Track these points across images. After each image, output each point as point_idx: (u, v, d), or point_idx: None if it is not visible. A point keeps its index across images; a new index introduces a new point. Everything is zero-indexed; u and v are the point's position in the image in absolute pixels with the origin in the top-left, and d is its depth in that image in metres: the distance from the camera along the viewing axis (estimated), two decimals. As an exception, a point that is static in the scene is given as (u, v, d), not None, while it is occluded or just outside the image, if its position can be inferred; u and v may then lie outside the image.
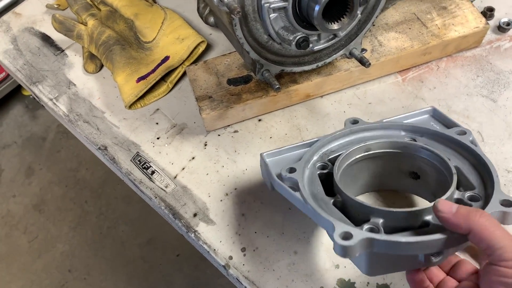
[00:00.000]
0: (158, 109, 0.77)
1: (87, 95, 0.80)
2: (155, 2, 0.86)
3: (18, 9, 0.92)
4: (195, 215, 0.67)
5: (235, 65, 0.75)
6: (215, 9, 0.68)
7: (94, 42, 0.78)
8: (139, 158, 0.73)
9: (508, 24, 0.79)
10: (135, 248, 1.66)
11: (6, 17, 0.91)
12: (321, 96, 0.76)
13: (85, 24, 0.81)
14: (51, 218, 1.76)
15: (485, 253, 0.42)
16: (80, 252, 1.67)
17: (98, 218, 1.74)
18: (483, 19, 0.75)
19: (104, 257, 1.65)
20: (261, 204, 0.67)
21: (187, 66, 0.75)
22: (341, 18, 0.59)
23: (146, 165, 0.72)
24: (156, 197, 0.69)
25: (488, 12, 0.80)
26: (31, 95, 2.03)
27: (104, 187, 1.82)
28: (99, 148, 0.74)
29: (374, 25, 0.75)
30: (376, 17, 0.67)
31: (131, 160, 0.73)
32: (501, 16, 0.80)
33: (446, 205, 0.44)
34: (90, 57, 0.80)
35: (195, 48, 0.76)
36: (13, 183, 1.86)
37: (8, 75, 1.80)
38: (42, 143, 1.95)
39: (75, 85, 0.81)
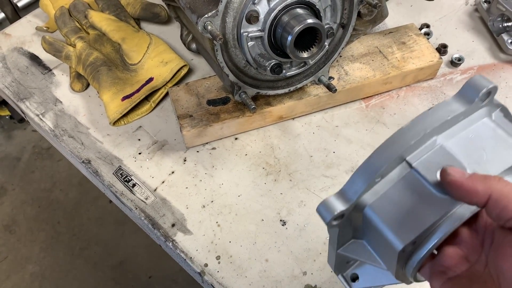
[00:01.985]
0: (140, 127, 0.82)
1: (72, 112, 0.84)
2: (141, 28, 0.92)
3: (8, 30, 0.96)
4: (173, 225, 0.71)
5: (214, 88, 0.81)
6: (198, 36, 0.74)
7: (82, 63, 0.83)
8: (121, 171, 0.77)
9: (459, 59, 0.88)
10: (107, 270, 1.66)
11: (-5, 37, 0.95)
12: (293, 118, 0.82)
13: (73, 46, 0.86)
14: (22, 238, 1.74)
15: (506, 224, 0.35)
16: (51, 273, 1.65)
17: (71, 239, 1.73)
18: (437, 54, 0.84)
19: (75, 278, 1.64)
20: (236, 215, 0.72)
21: (170, 87, 0.81)
22: (311, 48, 0.67)
23: (128, 178, 0.76)
24: (136, 208, 0.73)
25: (442, 48, 0.90)
26: (7, 115, 2.04)
27: (77, 208, 1.82)
28: (83, 162, 0.78)
29: (340, 56, 0.84)
30: (342, 49, 0.75)
31: (113, 174, 0.77)
32: (453, 52, 0.90)
33: (457, 170, 0.37)
34: (77, 76, 0.85)
35: (178, 71, 0.82)
36: (-17, 203, 1.84)
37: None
38: (16, 163, 1.95)
39: (61, 102, 0.85)
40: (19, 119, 2.01)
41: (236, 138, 0.81)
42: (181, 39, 0.86)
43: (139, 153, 0.79)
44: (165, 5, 0.92)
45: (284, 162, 0.78)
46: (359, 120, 0.82)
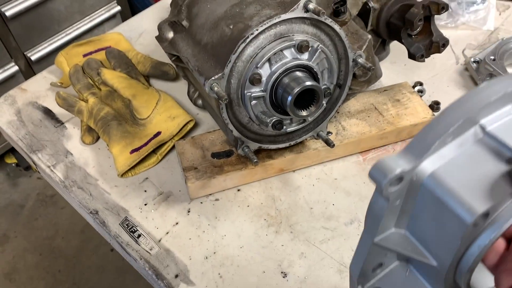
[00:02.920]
0: (147, 178, 0.86)
1: (82, 163, 0.88)
2: (150, 85, 0.97)
3: (24, 85, 1.02)
4: (176, 276, 0.73)
5: (218, 141, 0.85)
6: (205, 94, 0.79)
7: (93, 117, 0.88)
8: (127, 222, 0.80)
9: (451, 115, 0.93)
10: (106, 320, 1.64)
11: (12, 91, 1.01)
12: (293, 171, 0.86)
13: (85, 101, 0.91)
14: (21, 287, 1.73)
15: None
16: (49, 324, 1.63)
17: (70, 288, 1.72)
18: (430, 111, 0.89)
19: (73, 329, 1.62)
20: (238, 267, 0.74)
21: (176, 140, 0.85)
22: (310, 107, 0.71)
23: (133, 229, 0.79)
24: (141, 259, 0.75)
25: (435, 105, 0.94)
26: (13, 163, 2.09)
27: (79, 256, 1.82)
28: (91, 212, 0.81)
29: (338, 112, 0.88)
30: (339, 106, 0.80)
31: (119, 224, 0.79)
32: (445, 108, 0.95)
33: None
34: (88, 130, 0.90)
35: (184, 125, 0.86)
36: (-15, 251, 1.84)
37: (-6, 144, 1.87)
38: (20, 210, 1.96)
39: (72, 154, 0.89)
40: (25, 167, 2.05)
41: (238, 190, 0.84)
42: (188, 95, 0.91)
43: (145, 204, 0.82)
44: (173, 64, 0.98)
45: (285, 214, 0.80)
46: (356, 173, 0.85)
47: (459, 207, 0.34)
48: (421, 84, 0.99)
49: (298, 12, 0.65)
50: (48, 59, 1.81)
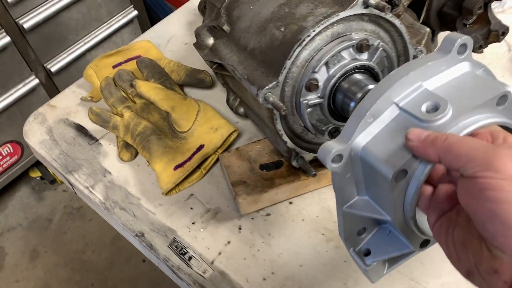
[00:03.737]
0: (192, 194, 0.80)
1: (122, 182, 0.83)
2: (184, 93, 0.92)
3: (53, 101, 0.98)
4: (234, 300, 0.68)
5: (265, 151, 0.80)
6: (252, 104, 0.74)
7: (130, 132, 0.83)
8: (176, 243, 0.75)
9: None
10: (144, 334, 1.60)
11: (42, 109, 0.96)
12: (348, 179, 0.80)
13: (120, 115, 0.86)
14: (56, 303, 1.70)
15: (461, 172, 0.39)
16: None
17: (105, 302, 1.69)
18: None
19: None
20: None
21: (220, 153, 0.80)
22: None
23: (183, 251, 0.74)
24: (195, 283, 0.70)
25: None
26: (38, 176, 2.06)
27: (110, 269, 1.79)
28: (136, 235, 0.76)
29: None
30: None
31: (168, 246, 0.74)
32: (504, 101, 0.88)
33: (416, 133, 0.41)
34: (125, 146, 0.85)
35: (227, 136, 0.81)
36: (16, 268, 1.82)
37: (18, 160, 1.84)
38: (48, 225, 1.94)
39: (110, 173, 0.84)
40: (50, 180, 2.03)
41: (290, 202, 0.78)
42: (228, 103, 0.86)
43: (193, 223, 0.77)
44: (210, 71, 0.92)
45: (344, 226, 0.74)
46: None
47: (382, 168, 0.44)
48: (473, 76, 0.92)
49: (357, 8, 0.59)
50: (68, 69, 1.77)
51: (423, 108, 0.44)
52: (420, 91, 0.46)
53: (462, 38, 0.46)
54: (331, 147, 0.45)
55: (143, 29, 2.00)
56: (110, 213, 0.79)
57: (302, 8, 0.62)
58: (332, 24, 0.59)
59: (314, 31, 0.58)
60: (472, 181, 0.37)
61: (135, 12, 1.89)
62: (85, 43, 1.78)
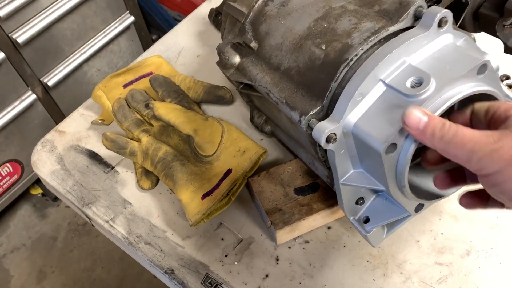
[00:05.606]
0: (221, 223, 0.75)
1: (145, 213, 0.77)
2: (204, 113, 0.86)
3: (61, 126, 0.91)
4: None
5: (298, 173, 0.74)
6: (284, 125, 0.68)
7: (150, 159, 0.77)
8: (210, 280, 0.69)
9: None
10: None
11: (49, 135, 0.89)
12: (388, 198, 0.75)
13: (137, 140, 0.80)
14: (68, 326, 1.64)
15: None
16: None
17: (119, 322, 1.64)
18: None
19: None
20: (348, 322, 0.63)
21: (249, 177, 0.74)
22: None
23: (219, 287, 0.68)
24: (235, 324, 0.65)
25: None
26: (39, 193, 1.99)
27: (121, 285, 1.73)
28: (166, 272, 0.70)
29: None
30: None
31: (201, 283, 0.69)
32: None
33: (413, 120, 0.42)
34: (145, 173, 0.79)
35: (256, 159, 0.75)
36: (24, 290, 1.75)
37: (19, 179, 1.76)
38: (53, 243, 1.87)
39: (130, 203, 0.78)
40: (52, 198, 1.96)
41: (329, 227, 0.73)
42: (252, 121, 0.80)
43: (225, 255, 0.71)
44: (227, 84, 0.86)
45: (390, 251, 0.69)
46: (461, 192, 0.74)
47: (373, 143, 0.48)
48: (507, 77, 0.87)
49: (408, 21, 0.53)
50: (65, 82, 1.70)
51: (408, 83, 0.47)
52: (405, 67, 0.48)
53: (441, 12, 0.49)
54: (325, 127, 0.49)
55: (140, 35, 1.93)
56: (135, 248, 0.73)
57: (344, 23, 0.56)
58: (380, 41, 0.53)
59: (362, 49, 0.52)
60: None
61: (132, 18, 1.81)
62: (81, 54, 1.70)
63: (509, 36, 0.75)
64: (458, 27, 0.79)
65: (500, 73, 0.88)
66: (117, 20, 1.78)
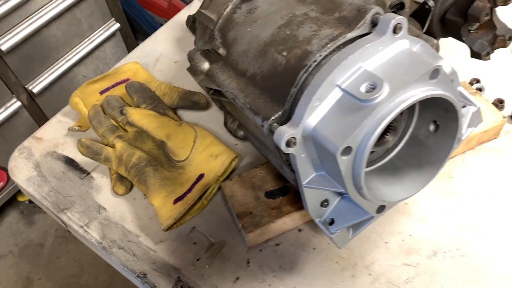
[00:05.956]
0: (194, 227, 0.76)
1: (119, 218, 0.78)
2: (180, 119, 0.87)
3: (38, 133, 0.92)
4: None
5: (270, 177, 0.75)
6: (253, 130, 0.69)
7: (124, 165, 0.78)
8: (181, 283, 0.70)
9: (520, 114, 0.83)
10: None
11: (26, 142, 0.90)
12: (358, 201, 0.76)
13: (111, 146, 0.81)
14: (54, 333, 1.64)
15: None
16: None
17: (105, 328, 1.63)
18: (500, 113, 0.79)
19: None
20: (316, 323, 0.64)
21: (222, 181, 0.75)
22: (385, 135, 0.61)
23: (190, 291, 0.69)
24: (205, 327, 0.65)
25: (499, 104, 0.84)
26: (26, 200, 1.99)
27: (109, 292, 1.73)
28: (138, 276, 0.71)
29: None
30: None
31: (173, 287, 0.70)
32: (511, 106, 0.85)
33: None
34: (119, 179, 0.80)
35: (229, 163, 0.76)
36: (10, 298, 1.75)
37: (5, 186, 1.76)
38: (40, 250, 1.87)
39: (105, 209, 0.79)
40: (39, 203, 1.95)
41: (299, 230, 0.74)
42: (226, 126, 0.81)
43: (198, 259, 0.72)
44: (203, 91, 0.88)
45: (359, 253, 0.70)
46: (427, 196, 0.75)
47: (329, 145, 0.49)
48: (477, 81, 0.89)
49: (365, 28, 0.55)
50: (51, 89, 1.70)
51: (363, 88, 0.48)
52: (360, 73, 0.50)
53: (396, 19, 0.50)
54: (284, 131, 0.51)
55: (126, 42, 1.94)
56: (108, 253, 0.74)
57: (305, 30, 0.58)
58: (339, 47, 0.55)
59: (320, 55, 0.54)
60: None
61: (117, 25, 1.83)
62: (67, 61, 1.71)
63: (474, 41, 0.77)
64: (426, 32, 0.81)
65: (471, 77, 0.89)
66: (103, 27, 1.79)
